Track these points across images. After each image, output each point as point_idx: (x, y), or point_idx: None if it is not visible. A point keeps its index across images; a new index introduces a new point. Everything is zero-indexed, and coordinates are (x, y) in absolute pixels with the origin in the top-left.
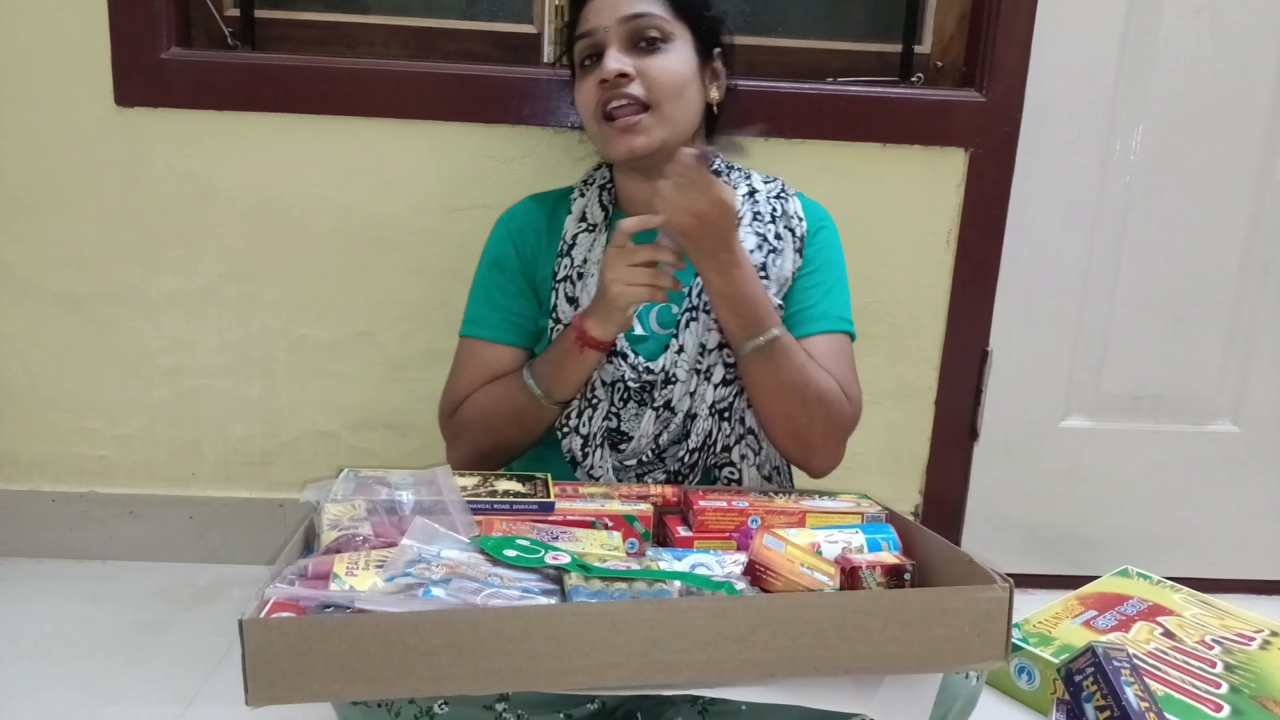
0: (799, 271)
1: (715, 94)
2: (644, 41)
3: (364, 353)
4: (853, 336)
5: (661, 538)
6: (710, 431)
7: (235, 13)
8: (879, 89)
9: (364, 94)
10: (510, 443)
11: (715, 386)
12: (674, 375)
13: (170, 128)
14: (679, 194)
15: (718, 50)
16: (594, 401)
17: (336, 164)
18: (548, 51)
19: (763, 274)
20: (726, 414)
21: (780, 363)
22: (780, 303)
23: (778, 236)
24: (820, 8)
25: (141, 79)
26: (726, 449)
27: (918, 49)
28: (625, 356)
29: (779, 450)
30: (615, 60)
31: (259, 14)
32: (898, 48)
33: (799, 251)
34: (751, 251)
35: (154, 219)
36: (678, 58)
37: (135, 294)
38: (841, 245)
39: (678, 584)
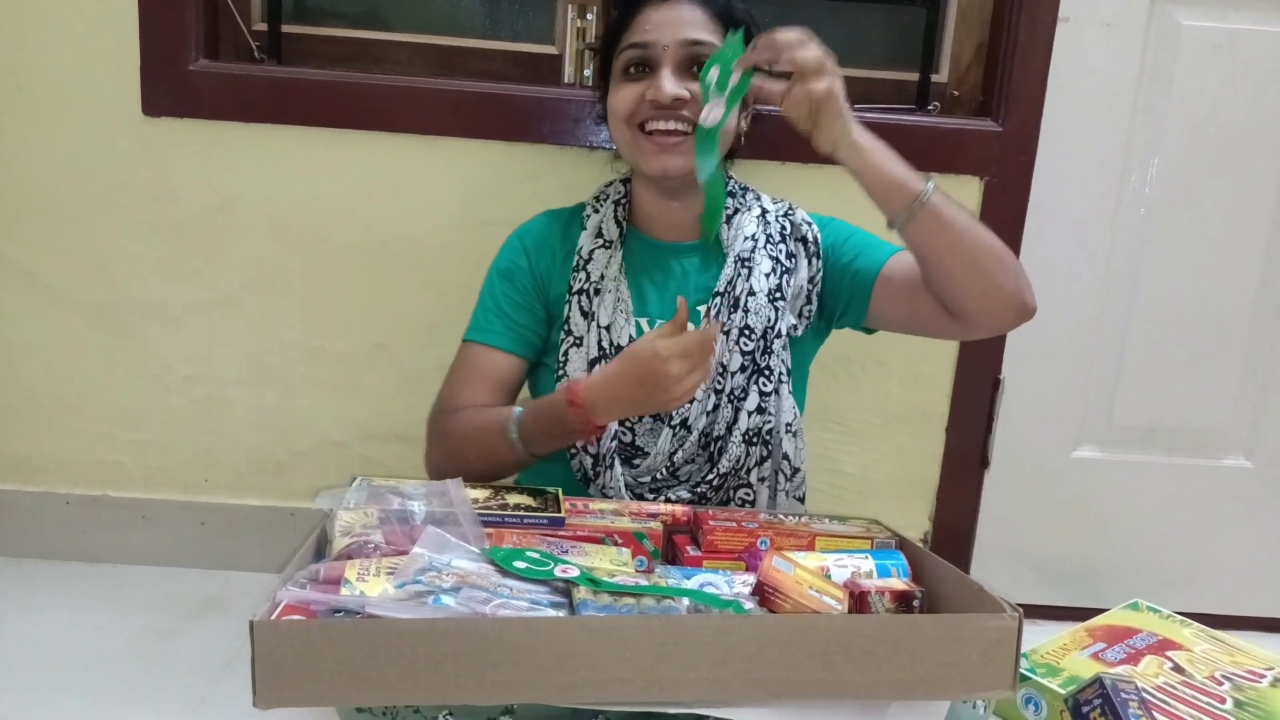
0: (834, 245)
1: (744, 124)
2: (697, 67)
3: (379, 366)
4: None
5: (670, 556)
6: (740, 457)
7: (263, 27)
8: (895, 117)
9: (387, 110)
10: (477, 474)
11: (750, 414)
12: (692, 394)
13: (196, 138)
14: (824, 59)
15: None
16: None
17: (358, 178)
18: (568, 72)
19: (779, 296)
20: (756, 440)
21: (956, 205)
22: (795, 322)
23: (789, 255)
24: (837, 36)
25: (169, 90)
26: (748, 471)
27: (935, 78)
28: None
29: (988, 304)
30: (672, 84)
31: (286, 29)
32: (915, 76)
33: (816, 255)
34: (768, 274)
35: (177, 229)
36: None
37: (156, 303)
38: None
39: (686, 601)
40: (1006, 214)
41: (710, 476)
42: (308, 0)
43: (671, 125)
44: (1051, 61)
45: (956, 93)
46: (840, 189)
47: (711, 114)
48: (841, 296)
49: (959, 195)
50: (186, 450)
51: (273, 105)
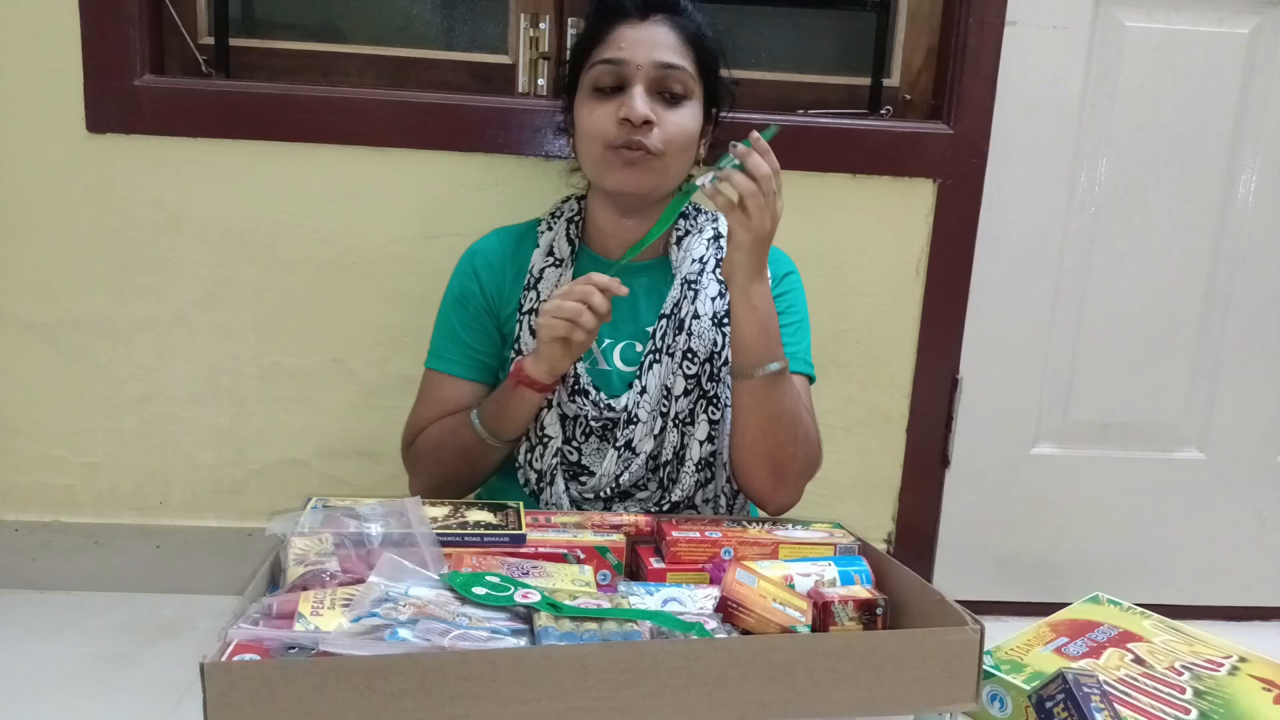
0: None
1: (703, 151)
2: (668, 93)
3: (336, 380)
4: (813, 380)
5: (634, 568)
6: (692, 486)
7: (210, 41)
8: (848, 121)
9: (339, 122)
10: (460, 477)
11: (700, 444)
12: (636, 416)
13: (142, 154)
14: (770, 201)
15: (714, 110)
16: (544, 440)
17: (310, 192)
18: (522, 82)
19: (725, 320)
20: (704, 466)
21: (785, 391)
22: None
23: None
24: (790, 41)
25: (114, 106)
26: (694, 494)
27: (886, 82)
28: (587, 394)
29: (746, 482)
30: (644, 104)
31: (234, 43)
32: (866, 81)
33: None
34: (714, 299)
35: (125, 246)
36: (691, 116)
37: (104, 321)
38: (804, 289)
39: (648, 624)
40: (960, 215)
41: (664, 503)
42: (256, 13)
43: (635, 145)
44: (1000, 64)
45: (908, 96)
46: (800, 195)
47: (703, 179)
48: None
49: (913, 198)
50: (139, 472)
51: (221, 120)
